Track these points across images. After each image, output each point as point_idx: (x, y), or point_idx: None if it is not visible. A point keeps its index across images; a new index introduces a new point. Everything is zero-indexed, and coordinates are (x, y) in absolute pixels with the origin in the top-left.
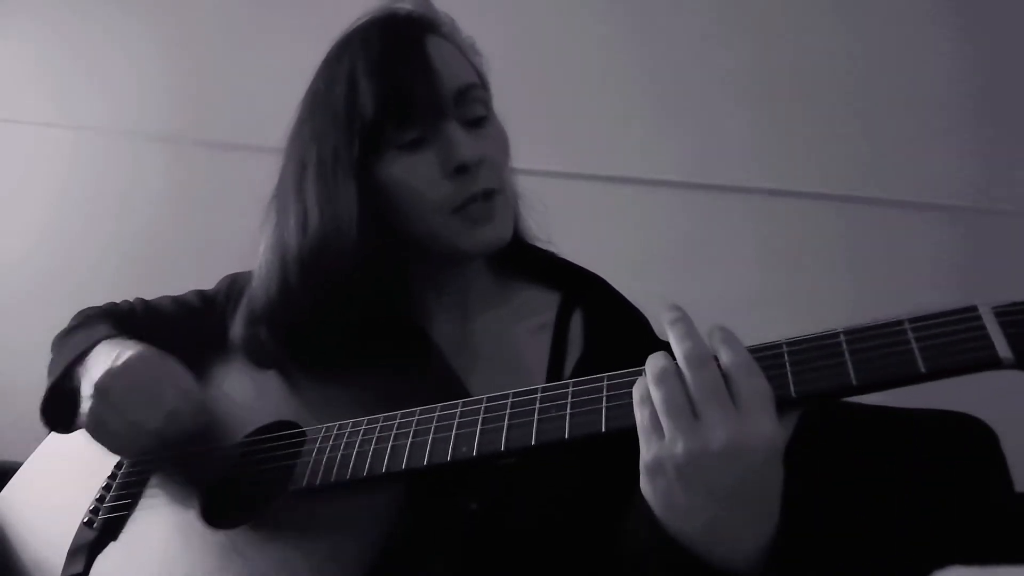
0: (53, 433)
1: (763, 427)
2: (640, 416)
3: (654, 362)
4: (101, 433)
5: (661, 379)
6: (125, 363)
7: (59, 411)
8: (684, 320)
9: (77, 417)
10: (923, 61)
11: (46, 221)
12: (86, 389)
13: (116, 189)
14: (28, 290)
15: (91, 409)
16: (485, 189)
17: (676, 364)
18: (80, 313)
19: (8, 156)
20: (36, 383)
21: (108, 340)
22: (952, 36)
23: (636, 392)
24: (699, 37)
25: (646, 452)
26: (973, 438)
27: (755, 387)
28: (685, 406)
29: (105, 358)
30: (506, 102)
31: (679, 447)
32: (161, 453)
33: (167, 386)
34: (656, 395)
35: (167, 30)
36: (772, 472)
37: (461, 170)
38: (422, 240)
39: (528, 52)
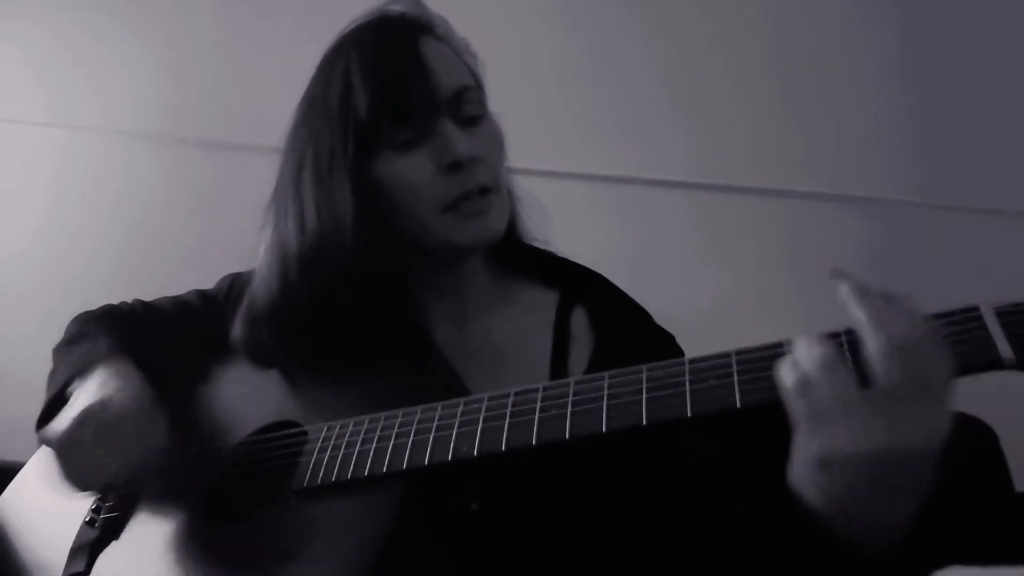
0: None
1: (946, 420)
2: (800, 406)
3: (817, 350)
4: (65, 459)
5: (832, 369)
6: (115, 409)
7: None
8: (877, 301)
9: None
10: (922, 61)
11: (41, 221)
12: (72, 410)
13: (111, 189)
14: (24, 289)
15: (59, 459)
16: (480, 186)
17: (840, 351)
18: (78, 318)
19: (4, 156)
20: (35, 383)
21: (107, 364)
22: (955, 37)
23: (789, 377)
24: (699, 37)
25: (811, 443)
26: (973, 438)
27: (939, 372)
28: (861, 398)
29: (98, 387)
30: (506, 102)
31: (862, 446)
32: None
33: (137, 443)
34: (826, 385)
35: (162, 31)
36: (935, 463)
37: (455, 167)
38: (418, 238)
39: (528, 52)
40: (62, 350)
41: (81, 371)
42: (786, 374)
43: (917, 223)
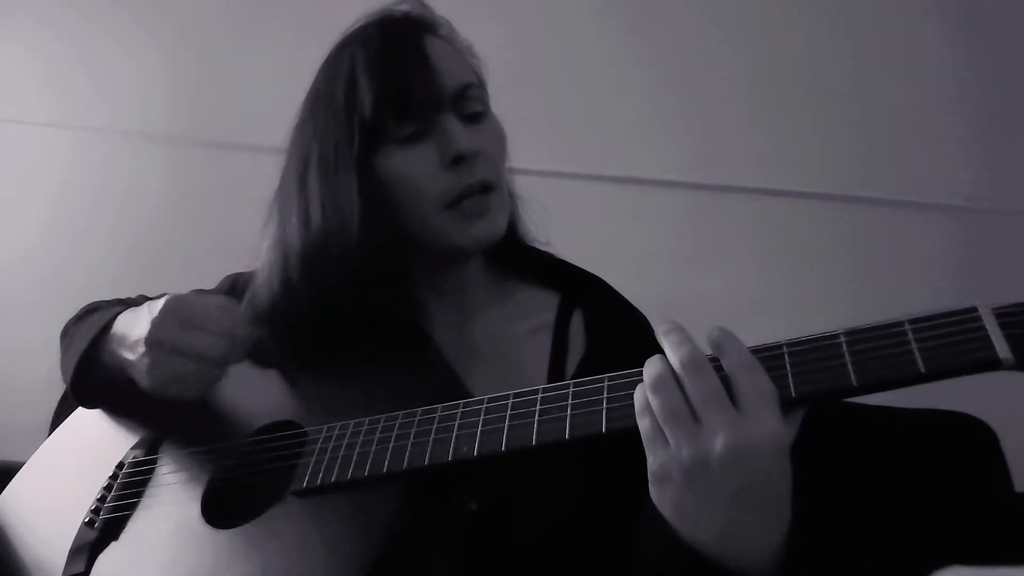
0: (55, 433)
1: (766, 426)
2: (642, 425)
3: (650, 368)
4: (172, 385)
5: (658, 386)
6: (163, 310)
7: (87, 386)
8: (677, 329)
9: (107, 391)
10: (923, 61)
11: (46, 221)
12: (131, 354)
13: (116, 189)
14: (28, 290)
15: (151, 367)
16: (482, 182)
17: (673, 369)
18: (89, 304)
19: (8, 156)
20: (36, 383)
21: (126, 311)
22: (952, 36)
23: (637, 401)
24: (699, 37)
25: (652, 461)
26: (973, 438)
27: (757, 385)
28: (685, 412)
29: (135, 320)
30: (506, 102)
31: (684, 454)
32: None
33: (210, 312)
34: (655, 403)
35: (167, 30)
36: (779, 472)
37: (458, 161)
38: (420, 235)
39: (529, 52)
40: (71, 327)
41: (106, 326)
42: (636, 394)
43: (915, 222)
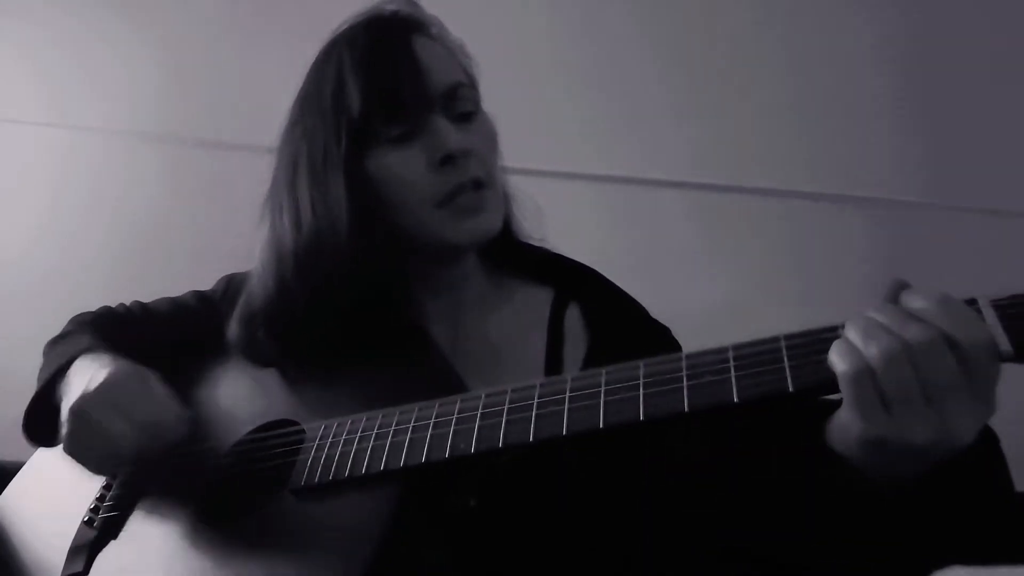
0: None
1: (990, 413)
2: (859, 390)
3: (888, 340)
4: (80, 454)
5: (898, 362)
6: (100, 384)
7: (40, 425)
8: (948, 300)
9: (57, 434)
10: (924, 61)
11: (43, 221)
12: (64, 413)
13: (112, 189)
14: (26, 290)
15: (69, 432)
16: (473, 179)
17: (907, 343)
18: (73, 319)
19: (5, 156)
20: (35, 383)
21: (86, 355)
22: (953, 36)
23: (849, 364)
24: (698, 36)
25: (868, 427)
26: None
27: (994, 374)
28: (921, 391)
29: (81, 378)
30: (505, 102)
31: (917, 436)
32: (143, 468)
33: (142, 402)
34: (892, 378)
35: (163, 30)
36: None
37: (447, 161)
38: (413, 235)
39: (527, 51)
40: (49, 348)
41: (61, 368)
42: (849, 357)
43: (915, 222)
